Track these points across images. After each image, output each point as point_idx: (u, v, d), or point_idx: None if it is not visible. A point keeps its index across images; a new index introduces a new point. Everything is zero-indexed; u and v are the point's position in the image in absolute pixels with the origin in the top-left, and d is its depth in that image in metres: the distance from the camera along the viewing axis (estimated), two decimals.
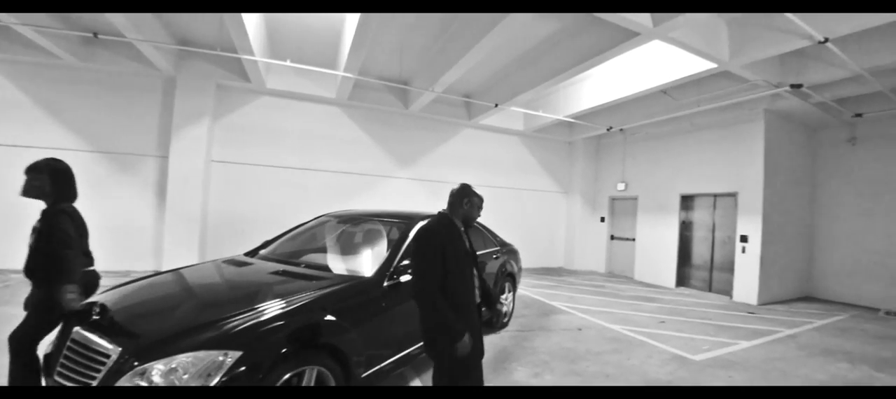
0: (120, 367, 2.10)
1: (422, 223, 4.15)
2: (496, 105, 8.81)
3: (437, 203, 10.00)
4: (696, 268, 9.93)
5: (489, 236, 5.66)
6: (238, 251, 8.36)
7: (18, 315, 2.78)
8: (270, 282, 3.13)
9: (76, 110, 7.87)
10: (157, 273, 3.58)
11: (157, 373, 2.07)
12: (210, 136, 8.33)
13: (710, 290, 9.49)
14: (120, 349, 2.18)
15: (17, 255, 7.35)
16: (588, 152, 12.81)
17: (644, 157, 11.27)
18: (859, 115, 8.26)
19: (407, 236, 3.75)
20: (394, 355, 3.30)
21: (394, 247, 3.57)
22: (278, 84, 8.65)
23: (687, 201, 10.16)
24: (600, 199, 12.69)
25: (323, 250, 4.00)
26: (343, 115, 9.78)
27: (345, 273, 3.33)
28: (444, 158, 11.02)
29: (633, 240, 11.36)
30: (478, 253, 4.66)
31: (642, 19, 5.12)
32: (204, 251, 8.28)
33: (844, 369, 4.82)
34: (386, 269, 3.31)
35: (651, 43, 6.20)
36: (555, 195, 12.89)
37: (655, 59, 7.30)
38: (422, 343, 3.61)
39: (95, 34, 6.30)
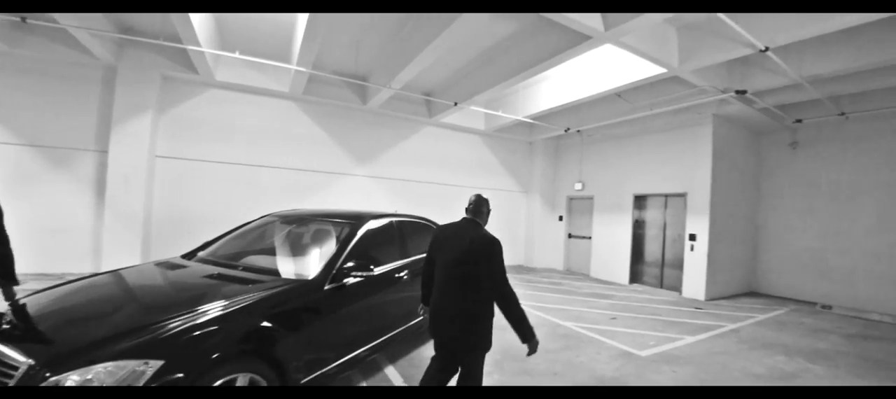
0: (30, 380, 1.95)
1: (375, 221, 4.09)
2: (455, 103, 8.79)
3: (397, 202, 9.92)
4: (649, 265, 10.26)
5: None
6: (183, 252, 8.01)
7: None
8: (203, 286, 2.96)
9: (5, 101, 7.23)
10: (84, 277, 3.32)
11: (72, 384, 1.93)
12: (154, 129, 7.85)
13: (661, 286, 9.83)
14: (31, 361, 2.01)
15: None
16: (547, 152, 13.04)
17: (600, 158, 11.56)
18: (799, 120, 8.77)
19: (353, 237, 3.65)
20: (337, 359, 3.20)
21: (339, 248, 3.46)
22: (229, 76, 8.23)
23: (640, 201, 10.49)
24: (559, 198, 12.94)
25: (265, 252, 3.82)
26: (298, 109, 9.43)
27: (285, 276, 3.18)
28: (404, 156, 10.88)
29: (590, 238, 11.63)
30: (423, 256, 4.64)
31: (594, 23, 5.21)
32: (147, 252, 7.83)
33: (781, 362, 5.07)
34: (328, 271, 3.21)
35: (606, 48, 6.36)
36: (516, 194, 13.02)
37: (611, 63, 7.48)
38: (372, 344, 3.55)
39: (23, 18, 5.83)
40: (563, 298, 8.15)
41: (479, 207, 2.96)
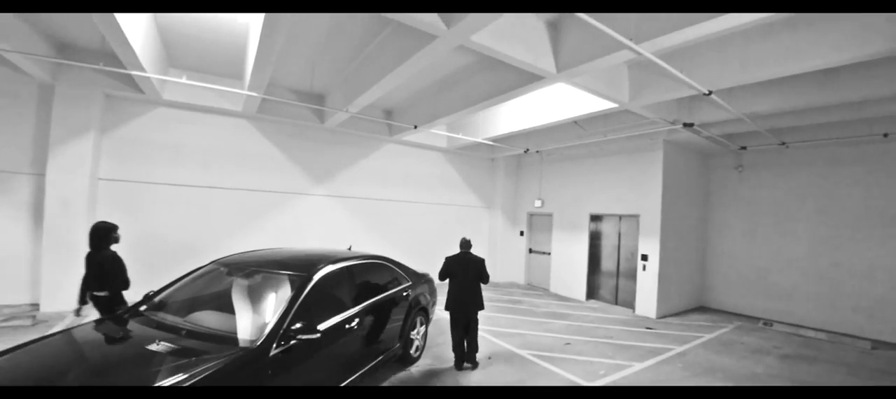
0: None
1: (327, 269, 4.03)
2: (415, 127, 8.77)
3: (355, 221, 9.78)
4: (605, 281, 10.59)
5: (400, 272, 5.59)
6: (133, 283, 7.66)
7: None
8: (143, 364, 2.76)
9: None
10: (26, 344, 3.08)
11: None
12: (97, 151, 7.43)
13: (616, 302, 10.16)
14: None
15: None
16: (509, 169, 13.23)
17: (558, 177, 11.84)
18: (744, 147, 9.28)
19: (301, 293, 3.60)
20: None
21: (286, 306, 3.40)
22: (177, 95, 7.85)
23: (596, 220, 10.80)
24: (520, 213, 13.16)
25: (210, 307, 3.69)
26: (251, 127, 9.09)
27: (230, 343, 3.08)
28: (364, 174, 10.74)
29: (549, 253, 11.88)
30: (378, 297, 4.65)
31: (547, 65, 5.33)
32: None
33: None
34: (274, 336, 3.14)
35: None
36: (478, 210, 13.14)
37: (567, 93, 7.65)
38: None
39: None
40: (522, 320, 8.28)
41: (468, 243, 5.86)
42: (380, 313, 4.67)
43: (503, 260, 13.04)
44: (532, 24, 5.18)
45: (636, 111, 7.06)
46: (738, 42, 5.38)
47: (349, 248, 5.68)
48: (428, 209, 11.88)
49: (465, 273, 5.54)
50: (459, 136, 9.77)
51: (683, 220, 9.69)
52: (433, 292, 6.40)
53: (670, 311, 9.31)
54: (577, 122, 8.62)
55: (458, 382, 5.15)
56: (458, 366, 5.49)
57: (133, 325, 3.42)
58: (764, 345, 7.39)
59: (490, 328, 7.53)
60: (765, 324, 8.86)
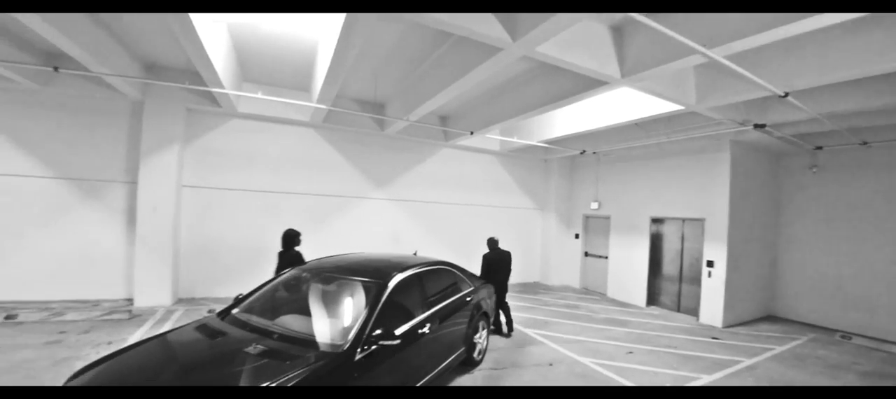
0: None
1: (400, 277, 4.23)
2: (472, 133, 8.90)
3: (412, 224, 10.12)
4: (666, 287, 10.25)
5: (463, 277, 5.72)
6: (212, 281, 8.33)
7: None
8: (242, 366, 3.02)
9: (39, 136, 7.54)
10: (136, 345, 3.46)
11: None
12: (180, 160, 8.12)
13: (678, 309, 9.81)
14: None
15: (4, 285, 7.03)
16: (563, 170, 13.06)
17: (616, 179, 11.55)
18: (820, 147, 8.68)
19: (381, 297, 3.79)
20: None
21: (367, 313, 3.59)
22: (250, 108, 8.45)
23: (657, 223, 10.47)
24: (575, 216, 12.95)
25: (295, 311, 3.96)
26: (317, 136, 9.66)
27: (317, 347, 3.31)
28: (420, 178, 11.04)
29: (606, 257, 11.64)
30: (444, 302, 4.77)
31: (612, 71, 5.28)
32: (176, 279, 8.18)
33: None
34: (358, 341, 3.34)
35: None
36: (531, 212, 13.09)
37: (627, 95, 7.48)
38: None
39: (56, 68, 6.05)
40: (581, 326, 8.20)
41: (497, 241, 7.46)
42: (446, 318, 4.81)
43: (557, 263, 12.89)
44: (596, 30, 5.15)
45: (702, 113, 6.82)
46: (818, 40, 5.07)
47: (415, 254, 5.86)
48: (481, 211, 11.99)
49: (504, 268, 7.29)
50: (514, 139, 9.80)
51: (752, 223, 9.20)
52: (492, 296, 6.48)
53: (737, 321, 8.88)
54: (637, 124, 8.42)
55: (521, 383, 5.21)
56: (509, 334, 7.20)
57: (228, 327, 3.72)
58: (842, 360, 6.90)
59: (549, 333, 7.53)
60: (842, 337, 8.26)
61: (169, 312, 7.42)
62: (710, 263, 8.87)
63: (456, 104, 9.08)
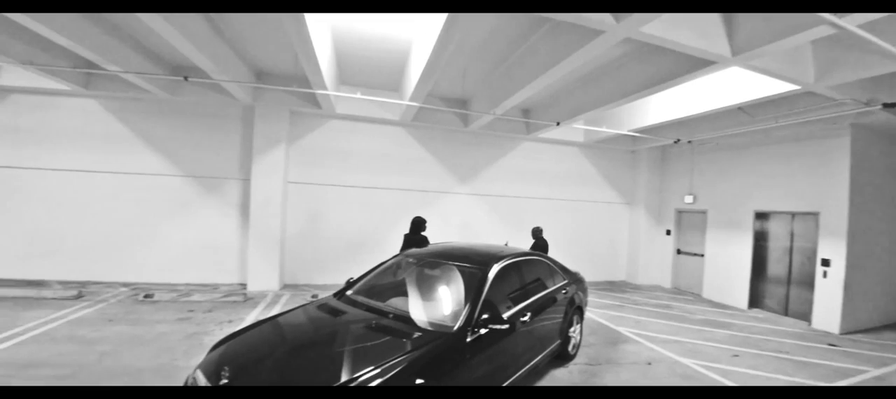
0: None
1: (500, 264, 4.33)
2: (558, 123, 8.76)
3: (494, 218, 10.26)
4: (771, 289, 9.41)
5: (558, 269, 5.68)
6: (313, 268, 9.00)
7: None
8: (366, 341, 3.30)
9: (168, 139, 8.72)
10: (267, 319, 3.87)
11: None
12: (286, 159, 8.94)
13: (786, 313, 8.98)
14: None
15: (142, 269, 8.35)
16: (653, 162, 12.39)
17: (714, 170, 10.77)
18: None
19: (484, 283, 3.91)
20: None
21: (473, 298, 3.72)
22: (347, 109, 9.09)
23: (761, 218, 9.64)
24: (666, 210, 12.25)
25: (404, 294, 4.19)
26: (406, 134, 10.18)
27: (429, 327, 3.49)
28: (502, 173, 11.13)
29: (702, 255, 10.91)
30: (541, 293, 4.76)
31: (721, 50, 4.98)
32: (284, 266, 9.00)
33: None
34: (467, 324, 3.47)
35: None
36: (617, 206, 12.61)
37: (730, 77, 6.99)
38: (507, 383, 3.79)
39: (186, 77, 6.96)
40: (676, 326, 7.79)
41: (541, 230, 7.89)
42: (542, 309, 4.82)
43: (646, 261, 12.26)
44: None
45: (820, 92, 6.20)
46: None
47: (505, 245, 5.91)
48: (564, 206, 11.78)
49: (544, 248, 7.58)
50: (602, 128, 9.50)
51: (877, 218, 8.15)
52: (586, 292, 6.36)
53: (858, 327, 7.92)
54: (741, 109, 7.79)
55: (620, 380, 5.09)
56: None
57: (346, 307, 4.03)
58: None
59: (643, 332, 7.25)
60: None
61: (277, 296, 8.17)
62: (825, 262, 8.02)
63: (539, 97, 9.02)
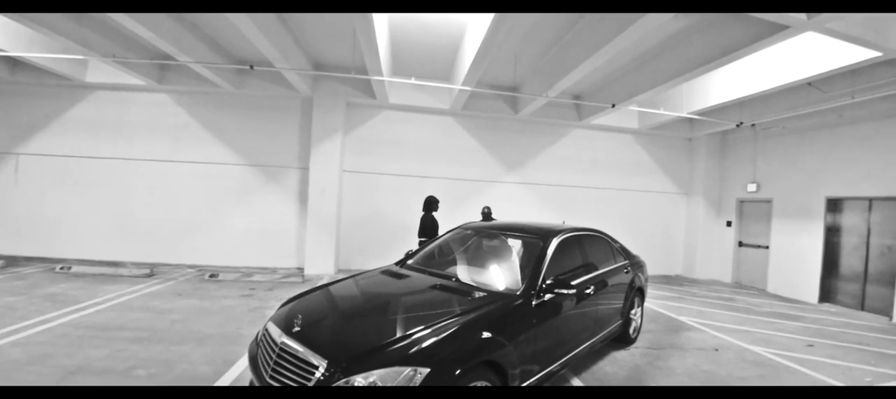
0: (328, 379, 2.42)
1: (562, 236, 4.29)
2: (613, 106, 8.47)
3: (544, 207, 10.17)
4: (845, 282, 8.75)
5: (618, 249, 5.54)
6: (366, 253, 9.29)
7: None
8: (434, 298, 3.41)
9: (233, 130, 9.28)
10: (331, 283, 3.96)
11: (359, 383, 2.37)
12: (342, 148, 9.26)
13: (862, 308, 8.33)
14: (326, 362, 2.49)
15: (207, 252, 8.86)
16: (711, 149, 11.76)
17: (780, 155, 10.13)
18: None
19: (546, 253, 3.88)
20: (541, 370, 3.42)
21: (535, 265, 3.71)
22: (399, 99, 9.34)
23: (834, 205, 8.99)
24: (726, 200, 11.64)
25: (464, 263, 4.24)
26: (455, 123, 10.29)
27: (494, 290, 3.53)
28: (551, 161, 10.98)
29: (767, 247, 10.30)
30: (602, 270, 4.66)
31: (794, 10, 4.67)
32: (339, 251, 9.34)
33: None
34: (531, 287, 3.47)
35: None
36: (673, 196, 12.10)
37: (800, 47, 6.58)
38: (568, 357, 3.79)
39: (251, 66, 7.35)
40: (742, 317, 7.40)
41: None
42: (605, 287, 4.71)
43: (705, 254, 11.66)
44: None
45: None
46: None
47: (563, 223, 5.83)
48: (617, 196, 11.46)
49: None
50: (659, 111, 9.09)
51: None
52: (647, 278, 6.16)
53: None
54: (811, 84, 7.27)
55: (686, 364, 4.91)
56: None
57: (409, 272, 4.15)
58: None
59: (705, 321, 6.94)
60: None
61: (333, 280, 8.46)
62: None
63: (591, 80, 8.85)
